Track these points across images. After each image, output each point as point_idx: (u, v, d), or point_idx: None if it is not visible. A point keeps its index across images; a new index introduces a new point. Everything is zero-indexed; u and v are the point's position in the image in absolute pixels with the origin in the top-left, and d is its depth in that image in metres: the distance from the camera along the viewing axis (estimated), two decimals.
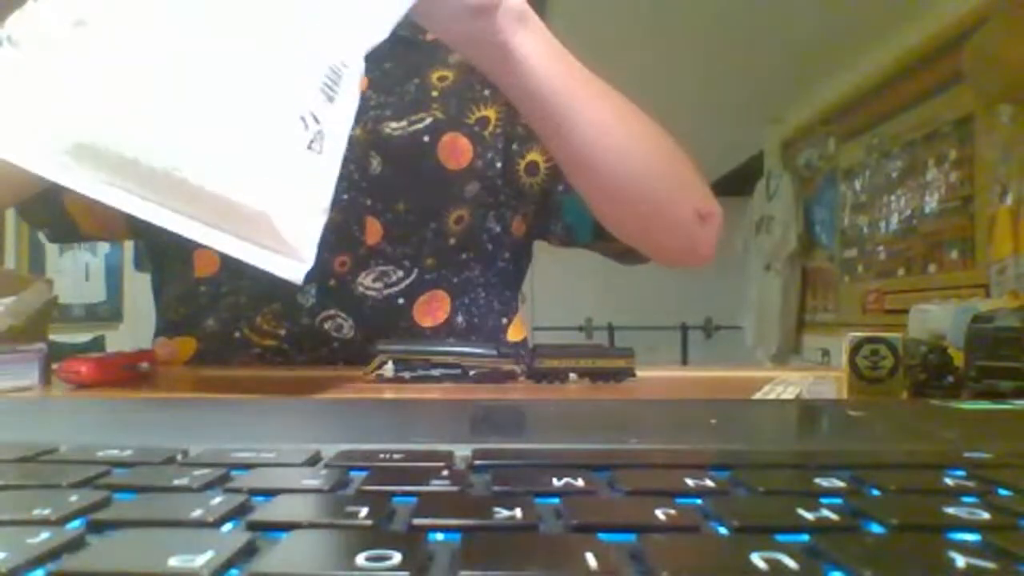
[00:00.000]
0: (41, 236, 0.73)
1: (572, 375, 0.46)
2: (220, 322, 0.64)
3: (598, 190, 0.58)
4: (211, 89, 0.38)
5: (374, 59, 0.66)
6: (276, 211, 0.36)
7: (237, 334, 0.63)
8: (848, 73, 2.75)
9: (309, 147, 0.38)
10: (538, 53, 0.52)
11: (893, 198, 2.54)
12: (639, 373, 0.47)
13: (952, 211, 2.21)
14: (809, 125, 3.19)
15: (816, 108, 3.09)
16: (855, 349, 0.38)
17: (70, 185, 0.36)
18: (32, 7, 0.40)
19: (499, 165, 0.66)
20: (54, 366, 0.47)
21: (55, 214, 0.67)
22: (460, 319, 0.65)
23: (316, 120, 0.38)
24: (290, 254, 0.36)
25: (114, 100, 0.37)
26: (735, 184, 4.04)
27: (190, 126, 0.36)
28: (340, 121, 0.40)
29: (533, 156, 0.67)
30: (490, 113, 0.66)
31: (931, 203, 2.32)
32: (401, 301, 0.63)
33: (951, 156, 2.21)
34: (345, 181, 0.63)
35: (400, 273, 0.63)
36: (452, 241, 0.65)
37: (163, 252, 0.70)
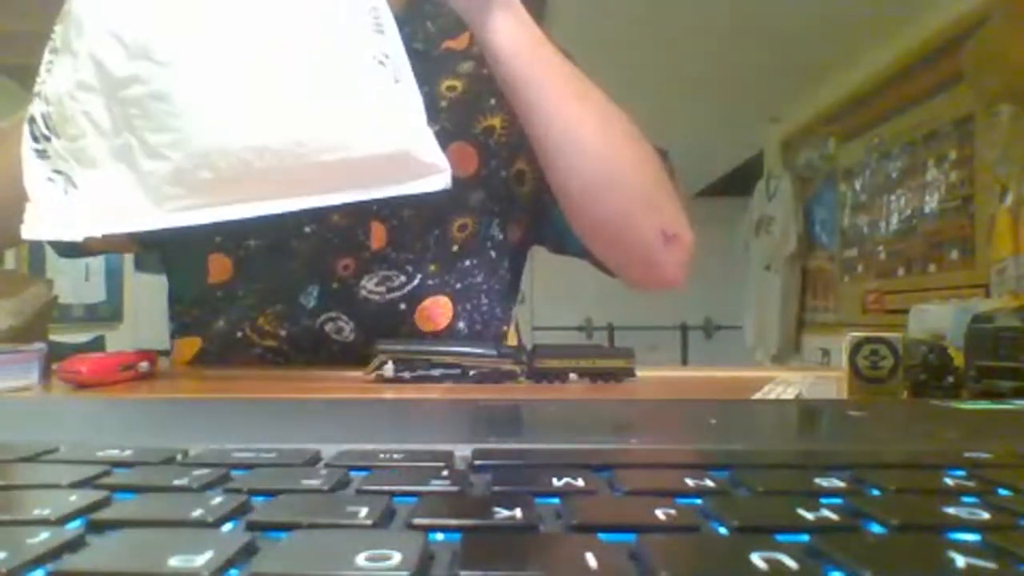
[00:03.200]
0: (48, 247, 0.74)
1: (572, 375, 0.46)
2: (228, 323, 0.64)
3: (563, 190, 0.58)
4: (291, 75, 0.40)
5: None
6: (406, 145, 0.41)
7: (240, 334, 0.63)
8: (848, 73, 2.75)
9: (396, 82, 0.42)
10: (512, 41, 0.53)
11: (893, 198, 2.54)
12: (639, 373, 0.47)
13: (952, 211, 2.21)
14: (809, 125, 3.19)
15: (816, 108, 3.09)
16: (855, 349, 0.38)
17: (190, 223, 0.39)
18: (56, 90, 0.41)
19: (504, 174, 0.66)
20: (54, 366, 0.47)
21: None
22: (462, 325, 0.65)
23: (387, 56, 0.42)
24: (431, 170, 0.42)
25: (207, 127, 0.40)
26: (735, 184, 4.04)
27: (293, 116, 0.40)
28: (396, 43, 0.44)
29: (520, 165, 0.67)
30: (495, 122, 0.66)
31: (931, 203, 2.32)
32: (403, 306, 0.63)
33: (951, 156, 2.21)
34: None
35: (403, 278, 0.63)
36: (455, 248, 0.65)
37: (176, 259, 0.70)
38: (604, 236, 0.61)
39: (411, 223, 0.63)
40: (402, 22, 0.66)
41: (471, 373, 0.47)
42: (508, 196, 0.67)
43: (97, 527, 0.14)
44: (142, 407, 0.36)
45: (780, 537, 0.13)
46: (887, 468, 0.19)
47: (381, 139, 0.41)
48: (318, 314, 0.62)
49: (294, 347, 0.63)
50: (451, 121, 0.65)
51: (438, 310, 0.64)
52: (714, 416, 0.30)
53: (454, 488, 0.17)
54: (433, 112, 0.65)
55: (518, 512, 0.14)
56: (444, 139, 0.64)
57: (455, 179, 0.64)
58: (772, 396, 0.40)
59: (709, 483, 0.17)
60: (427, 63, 0.67)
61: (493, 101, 0.66)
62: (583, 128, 0.56)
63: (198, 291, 0.66)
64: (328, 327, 0.62)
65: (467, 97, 0.66)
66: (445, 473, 0.18)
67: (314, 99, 0.40)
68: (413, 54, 0.66)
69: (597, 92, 0.57)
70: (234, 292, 0.64)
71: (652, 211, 0.58)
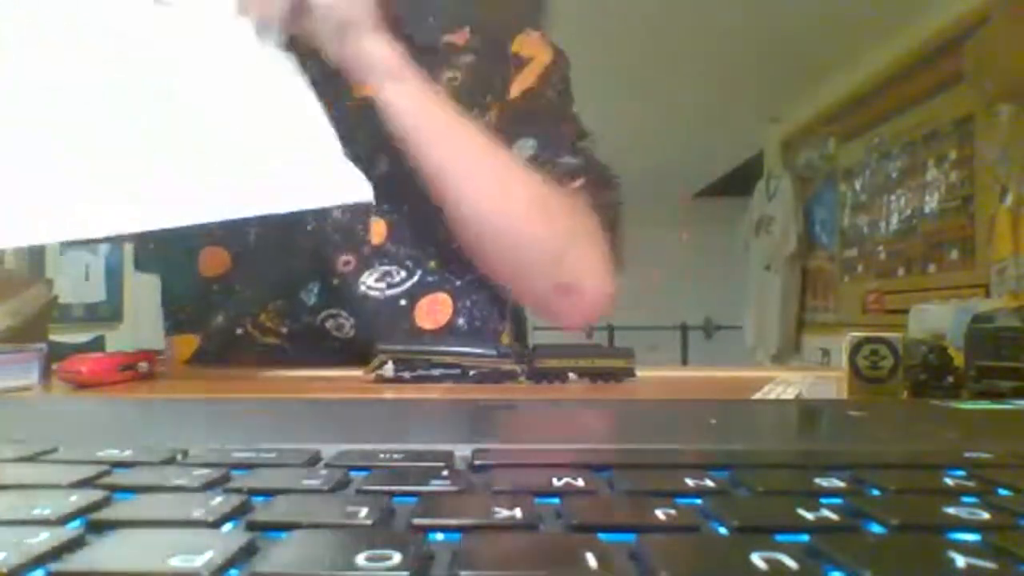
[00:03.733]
0: None
1: (572, 375, 0.46)
2: (226, 319, 0.64)
3: (459, 236, 0.60)
4: (227, 111, 0.46)
5: None
6: (326, 167, 0.47)
7: (240, 331, 0.63)
8: (848, 73, 2.75)
9: (310, 117, 0.47)
10: (405, 110, 0.56)
11: (893, 198, 2.54)
12: (639, 373, 0.47)
13: (952, 211, 2.21)
14: (809, 125, 3.19)
15: (816, 108, 3.09)
16: (855, 349, 0.38)
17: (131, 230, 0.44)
18: None
19: None
20: (54, 366, 0.47)
21: None
22: (461, 322, 0.65)
23: (298, 96, 0.48)
24: (351, 185, 0.47)
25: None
26: (735, 184, 4.04)
27: (230, 143, 0.46)
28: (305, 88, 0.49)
29: None
30: (492, 116, 0.67)
31: (931, 203, 2.32)
32: (403, 302, 0.63)
33: (951, 156, 2.21)
34: None
35: (403, 274, 0.63)
36: (455, 244, 0.65)
37: (168, 252, 0.70)
38: (503, 281, 0.64)
39: (411, 219, 0.63)
40: (404, 21, 0.67)
41: (471, 373, 0.47)
42: None
43: (97, 527, 0.14)
44: (142, 407, 0.36)
45: (780, 537, 0.13)
46: (887, 468, 0.19)
47: (306, 161, 0.47)
48: (319, 311, 0.62)
49: (295, 344, 0.63)
50: None
51: (437, 307, 0.64)
52: (714, 416, 0.30)
53: (454, 488, 0.17)
54: None
55: (518, 512, 0.14)
56: None
57: None
58: (772, 396, 0.40)
59: (709, 483, 0.17)
60: (429, 57, 0.67)
61: (489, 97, 0.66)
62: (472, 189, 0.58)
63: (193, 285, 0.66)
64: (329, 323, 0.62)
65: (467, 89, 0.66)
66: (445, 473, 0.18)
67: (247, 131, 0.46)
68: (415, 48, 0.66)
69: (498, 155, 0.59)
70: (231, 286, 0.64)
71: (546, 267, 0.60)
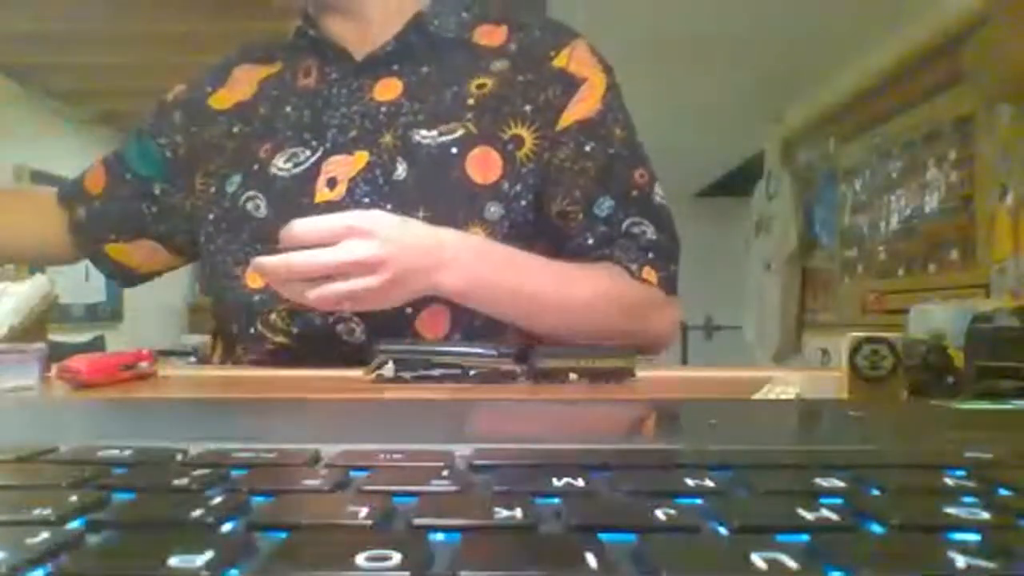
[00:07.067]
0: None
1: (572, 375, 0.46)
2: (242, 318, 0.65)
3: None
4: None
5: (413, 62, 0.67)
6: None
7: (252, 330, 0.64)
8: (848, 73, 2.75)
9: None
10: (465, 289, 0.57)
11: (893, 198, 2.54)
12: (639, 373, 0.47)
13: (952, 211, 2.21)
14: (809, 125, 3.19)
15: (816, 108, 3.09)
16: (855, 349, 0.38)
17: None
18: None
19: (526, 202, 0.64)
20: (54, 366, 0.47)
21: (107, 267, 0.79)
22: (458, 337, 0.65)
23: None
24: None
25: None
26: (735, 184, 4.04)
27: None
28: None
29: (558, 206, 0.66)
30: (526, 134, 0.65)
31: (931, 203, 2.32)
32: (408, 310, 0.63)
33: (951, 156, 2.21)
34: (368, 185, 0.63)
35: None
36: None
37: (214, 271, 0.70)
38: None
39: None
40: (434, 14, 0.66)
41: (471, 373, 0.47)
42: (528, 223, 0.65)
43: (97, 527, 0.14)
44: (142, 407, 0.36)
45: (780, 537, 0.13)
46: (887, 468, 0.19)
47: None
48: (330, 314, 0.62)
49: (304, 346, 0.63)
50: (477, 124, 0.64)
51: (439, 318, 0.64)
52: (714, 416, 0.30)
53: (454, 488, 0.17)
54: (460, 112, 0.64)
55: (518, 512, 0.14)
56: (469, 143, 0.63)
57: (472, 182, 0.64)
58: (772, 396, 0.40)
59: (709, 483, 0.17)
60: (461, 54, 0.66)
61: (527, 108, 0.65)
62: (555, 317, 0.61)
63: (240, 299, 0.68)
64: (339, 328, 0.62)
65: (497, 98, 0.65)
66: (445, 473, 0.18)
67: None
68: (446, 43, 0.66)
69: (561, 285, 0.61)
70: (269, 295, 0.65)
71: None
